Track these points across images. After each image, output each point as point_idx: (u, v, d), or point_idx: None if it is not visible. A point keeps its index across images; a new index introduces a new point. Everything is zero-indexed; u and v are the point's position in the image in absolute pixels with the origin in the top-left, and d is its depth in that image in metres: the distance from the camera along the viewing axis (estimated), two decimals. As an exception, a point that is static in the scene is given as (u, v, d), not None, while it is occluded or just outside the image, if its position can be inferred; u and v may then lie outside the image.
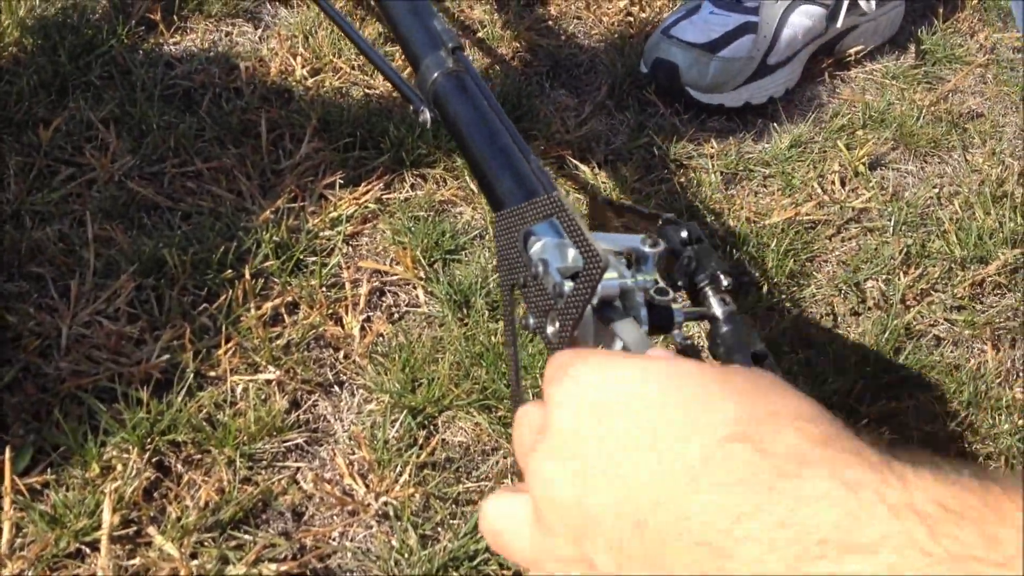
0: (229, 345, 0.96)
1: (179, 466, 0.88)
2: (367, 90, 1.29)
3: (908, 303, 1.10)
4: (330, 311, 1.02)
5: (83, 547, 0.81)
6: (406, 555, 0.83)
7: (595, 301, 0.62)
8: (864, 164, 1.27)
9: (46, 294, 0.99)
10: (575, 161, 1.24)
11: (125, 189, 1.11)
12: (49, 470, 0.85)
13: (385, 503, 0.86)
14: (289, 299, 1.02)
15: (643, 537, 0.36)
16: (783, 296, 1.09)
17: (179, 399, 0.91)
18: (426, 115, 0.86)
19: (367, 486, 0.88)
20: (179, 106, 1.24)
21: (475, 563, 0.83)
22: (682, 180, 1.23)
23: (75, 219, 1.07)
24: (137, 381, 0.92)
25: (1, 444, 0.85)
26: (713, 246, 1.13)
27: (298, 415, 0.93)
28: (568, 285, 0.60)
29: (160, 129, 1.18)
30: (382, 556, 0.83)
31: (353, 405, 0.95)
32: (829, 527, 0.32)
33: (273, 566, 0.81)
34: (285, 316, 1.01)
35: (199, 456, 0.88)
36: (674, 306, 0.65)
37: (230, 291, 1.00)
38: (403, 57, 0.94)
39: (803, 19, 1.38)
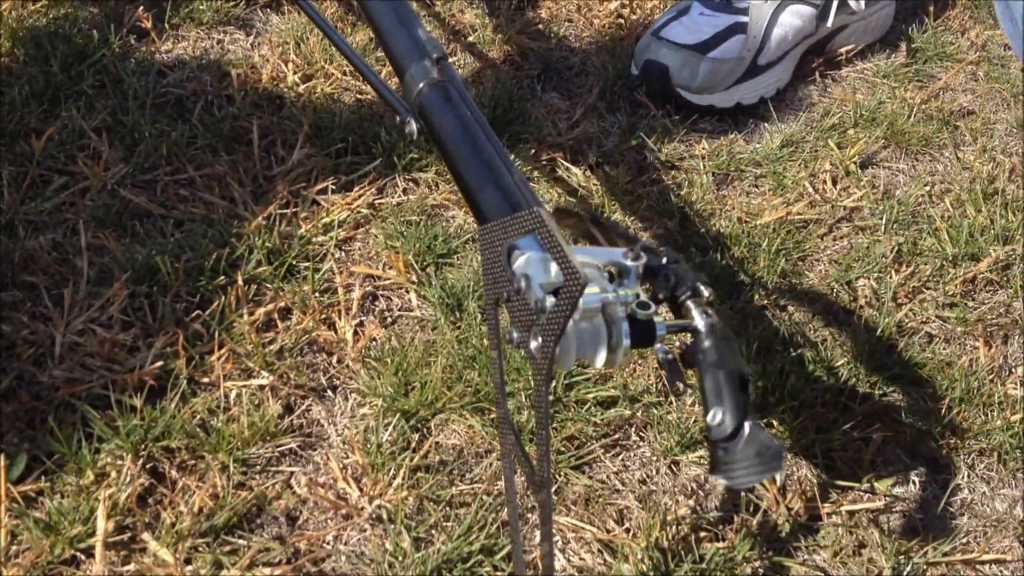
0: (222, 351, 0.96)
1: (173, 472, 0.88)
2: (359, 95, 1.30)
3: (900, 301, 1.10)
4: (323, 316, 1.02)
5: (78, 554, 0.81)
6: (400, 558, 0.83)
7: (576, 316, 0.63)
8: (855, 163, 1.27)
9: (40, 303, 1.00)
10: (566, 163, 1.24)
11: (118, 197, 1.11)
12: (44, 477, 0.85)
13: (379, 506, 0.87)
14: (282, 304, 1.02)
15: None
16: (775, 295, 1.09)
17: (172, 405, 0.91)
18: (412, 127, 0.87)
19: (361, 490, 0.88)
20: (171, 114, 1.24)
21: (469, 565, 0.83)
22: (673, 181, 1.24)
23: (68, 228, 1.07)
24: (131, 388, 0.92)
25: (-5, 452, 0.85)
26: (704, 248, 1.13)
27: (291, 420, 0.94)
28: (550, 300, 0.60)
29: (152, 137, 1.18)
30: (376, 559, 0.83)
31: (346, 409, 0.95)
32: None
33: (267, 570, 0.81)
34: (278, 321, 1.01)
35: (193, 462, 0.89)
36: (656, 319, 0.65)
37: (223, 297, 1.00)
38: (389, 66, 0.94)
39: (793, 19, 1.39)
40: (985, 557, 0.89)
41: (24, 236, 1.05)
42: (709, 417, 0.65)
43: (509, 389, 0.96)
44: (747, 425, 0.64)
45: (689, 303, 0.69)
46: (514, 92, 1.32)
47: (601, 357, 0.65)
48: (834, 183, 1.25)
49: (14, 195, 1.10)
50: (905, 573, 0.86)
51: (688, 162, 1.27)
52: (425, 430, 0.94)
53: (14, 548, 0.81)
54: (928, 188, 1.26)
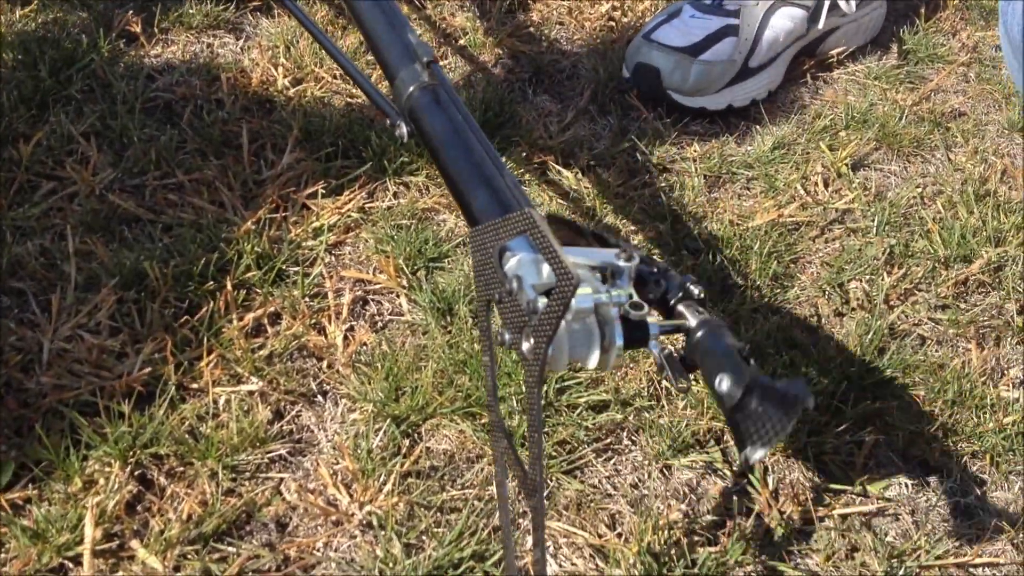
0: (211, 357, 0.96)
1: (162, 479, 0.87)
2: (349, 99, 1.29)
3: (892, 303, 1.10)
4: (313, 321, 1.02)
5: (66, 562, 0.80)
6: (390, 564, 0.83)
7: (569, 317, 0.62)
8: (847, 165, 1.27)
9: (27, 309, 0.99)
10: (558, 167, 1.24)
11: (106, 202, 1.10)
12: (31, 485, 0.85)
13: (369, 512, 0.86)
14: (271, 309, 1.02)
15: None
16: (767, 298, 1.09)
17: (161, 412, 0.90)
18: (403, 130, 0.86)
19: (351, 496, 0.87)
20: (160, 118, 1.23)
21: (460, 571, 0.83)
22: (665, 184, 1.23)
23: (56, 233, 1.07)
24: (119, 395, 0.92)
25: (-18, 460, 0.85)
26: (696, 250, 1.13)
27: (281, 426, 0.93)
28: (542, 302, 0.60)
29: (141, 142, 1.18)
30: (366, 566, 0.83)
31: (336, 415, 0.95)
32: None
33: (257, 578, 0.81)
34: (267, 327, 1.01)
35: (182, 469, 0.88)
36: (649, 320, 0.65)
37: (212, 303, 1.00)
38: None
39: (784, 21, 1.39)
40: (978, 560, 0.89)
41: (12, 242, 1.05)
42: (716, 385, 0.62)
43: (501, 394, 0.96)
44: (757, 380, 0.61)
45: (680, 305, 0.68)
46: (505, 95, 1.31)
47: (594, 358, 0.65)
48: (826, 185, 1.25)
49: (2, 201, 1.09)
50: (898, 577, 0.86)
51: (680, 164, 1.27)
52: (416, 435, 0.94)
53: (2, 556, 0.80)
54: (920, 190, 1.26)
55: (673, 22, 1.36)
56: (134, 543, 0.82)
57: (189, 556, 0.82)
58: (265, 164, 1.18)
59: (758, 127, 1.34)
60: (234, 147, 1.20)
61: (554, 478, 0.91)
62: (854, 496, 0.93)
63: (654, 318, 0.66)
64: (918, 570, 0.87)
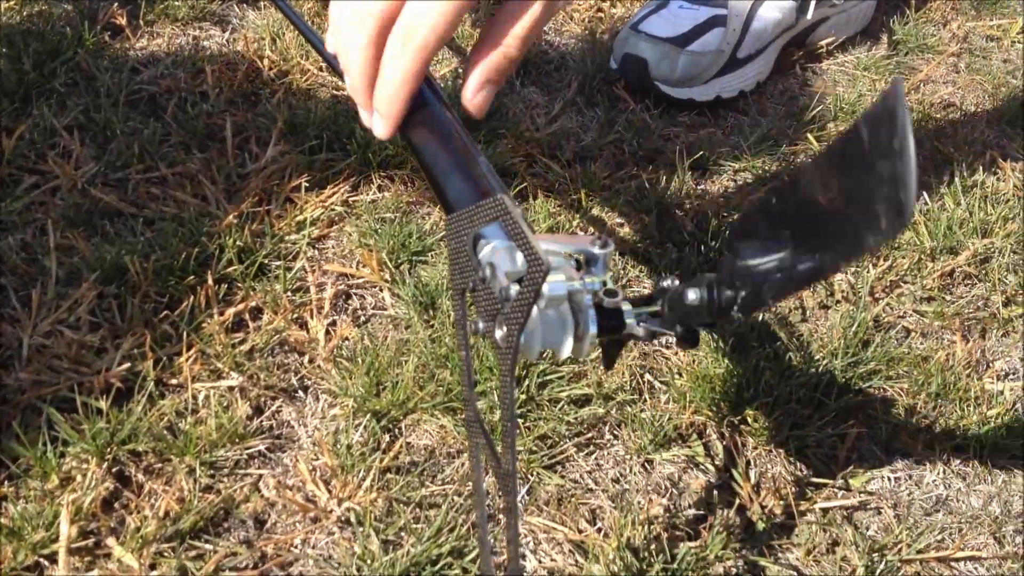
0: (191, 352, 0.95)
1: (139, 476, 0.87)
2: (334, 91, 1.29)
3: (877, 295, 1.10)
4: (294, 315, 1.01)
5: (41, 560, 0.80)
6: (368, 561, 0.82)
7: (541, 304, 0.62)
8: (834, 156, 1.26)
9: (8, 304, 0.99)
10: (544, 159, 1.23)
11: (88, 196, 1.10)
12: (7, 482, 0.84)
13: (348, 509, 0.86)
14: (253, 304, 1.02)
15: None
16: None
17: (139, 408, 0.90)
18: None
19: (330, 492, 0.87)
20: (144, 111, 1.23)
21: (438, 567, 0.82)
22: (652, 175, 1.23)
23: (38, 228, 1.06)
24: (97, 390, 0.91)
25: (-41, 457, 0.84)
26: (682, 243, 1.12)
27: (261, 421, 0.93)
28: (514, 289, 0.60)
29: (124, 135, 1.17)
30: (344, 563, 0.83)
31: (317, 410, 0.95)
32: None
33: (233, 575, 0.80)
34: (249, 321, 1.00)
35: (160, 465, 0.88)
36: (624, 307, 0.64)
37: (192, 297, 0.99)
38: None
39: (772, 12, 1.38)
40: (960, 554, 0.88)
41: (-7, 237, 1.04)
42: (691, 296, 0.63)
43: (480, 388, 0.95)
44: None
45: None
46: (491, 87, 1.30)
47: (567, 346, 0.64)
48: (813, 177, 1.24)
49: (-17, 195, 1.09)
50: (879, 571, 0.86)
51: (667, 157, 1.26)
52: (396, 430, 0.93)
53: (-23, 554, 0.80)
54: (907, 181, 1.25)
55: (661, 12, 1.35)
56: (110, 540, 0.82)
57: (166, 554, 0.81)
58: (249, 157, 1.18)
59: (746, 118, 1.34)
60: (218, 140, 1.20)
61: (535, 473, 0.91)
62: (836, 489, 0.92)
63: (628, 305, 0.65)
64: (899, 564, 0.87)
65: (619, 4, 1.50)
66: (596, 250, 0.65)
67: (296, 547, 0.84)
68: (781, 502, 0.91)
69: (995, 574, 0.88)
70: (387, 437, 0.92)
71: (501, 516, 0.88)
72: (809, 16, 1.41)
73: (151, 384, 0.92)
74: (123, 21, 1.34)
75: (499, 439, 0.64)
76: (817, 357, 1.01)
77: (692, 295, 0.62)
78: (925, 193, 1.23)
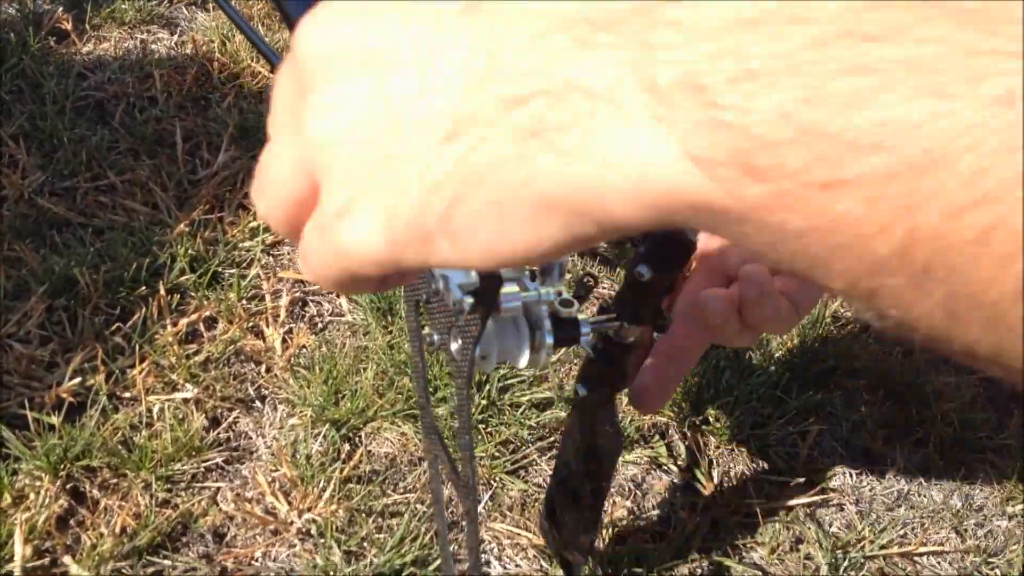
0: (144, 364, 0.93)
1: (94, 492, 0.85)
2: (286, 95, 1.27)
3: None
4: (250, 324, 1.00)
5: (-6, 582, 0.78)
6: (331, 573, 0.81)
7: (497, 316, 0.61)
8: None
9: (-46, 319, 0.96)
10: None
11: (35, 206, 1.08)
12: (-43, 503, 0.82)
13: (308, 520, 0.85)
14: (207, 314, 1.00)
15: None
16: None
17: (93, 422, 0.88)
18: None
19: (290, 503, 0.86)
20: (91, 118, 1.21)
21: (401, 577, 0.81)
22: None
23: (-16, 239, 1.04)
24: (49, 406, 0.89)
25: (-93, 478, 0.82)
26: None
27: (217, 434, 0.91)
28: (468, 301, 0.59)
29: (72, 143, 1.15)
30: (306, 575, 0.81)
31: (275, 420, 0.93)
32: None
33: (193, 591, 0.79)
34: (203, 331, 0.99)
35: (115, 480, 0.86)
36: (580, 316, 0.64)
37: (145, 308, 0.98)
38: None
39: None
40: (922, 549, 0.89)
41: (-63, 250, 1.02)
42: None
43: (442, 394, 0.94)
44: None
45: None
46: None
47: (524, 358, 0.63)
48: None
49: (-74, 207, 1.06)
50: (842, 568, 0.86)
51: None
52: (356, 439, 0.92)
53: (-73, 578, 0.78)
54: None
55: None
56: (66, 559, 0.80)
57: (123, 571, 0.80)
58: (200, 163, 1.16)
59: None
60: (168, 146, 1.18)
61: (498, 478, 0.90)
62: (798, 487, 0.92)
63: (584, 314, 0.65)
64: (863, 560, 0.87)
65: None
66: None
67: (257, 560, 0.83)
68: (744, 501, 0.91)
69: (957, 568, 0.88)
70: (347, 446, 0.91)
71: (463, 523, 0.87)
72: None
73: (104, 398, 0.90)
74: (68, 26, 1.32)
75: (456, 451, 0.63)
76: (777, 355, 1.01)
77: (645, 270, 0.63)
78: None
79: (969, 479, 0.95)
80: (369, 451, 0.91)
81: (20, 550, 0.79)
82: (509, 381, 0.96)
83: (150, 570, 0.81)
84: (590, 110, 0.24)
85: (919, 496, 0.93)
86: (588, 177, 0.24)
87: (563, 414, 0.95)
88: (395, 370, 0.96)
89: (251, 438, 0.92)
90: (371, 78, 0.29)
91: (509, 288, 0.61)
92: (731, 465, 0.94)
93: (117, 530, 0.82)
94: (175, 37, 1.37)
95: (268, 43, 0.75)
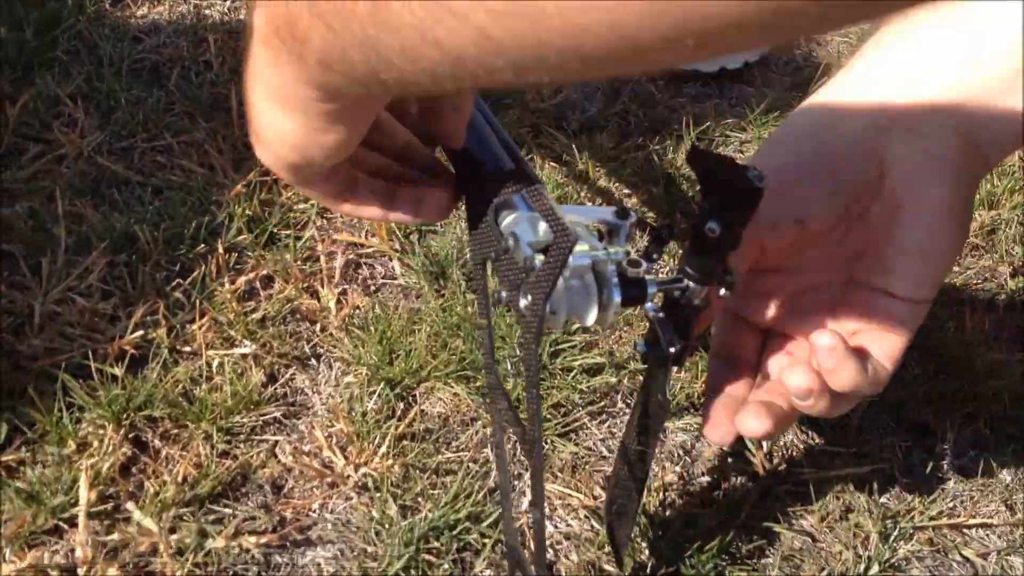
0: (203, 320, 0.95)
1: (156, 441, 0.87)
2: (339, 61, 1.28)
3: (885, 266, 1.10)
4: (305, 284, 1.01)
5: (61, 523, 0.80)
6: (386, 525, 0.82)
7: (566, 274, 0.62)
8: (840, 128, 1.27)
9: (17, 271, 0.98)
10: (550, 129, 1.23)
11: (95, 165, 1.09)
12: (24, 447, 0.84)
13: (364, 475, 0.86)
14: (263, 273, 1.01)
15: None
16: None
17: (154, 375, 0.90)
18: None
19: (346, 458, 0.87)
20: (147, 80, 1.22)
21: (456, 532, 0.82)
22: (658, 146, 1.23)
23: (45, 196, 1.06)
24: (111, 357, 0.91)
25: (-26, 423, 0.84)
26: (689, 213, 1.13)
27: (275, 389, 0.93)
28: (539, 259, 0.60)
29: (129, 104, 1.16)
30: (362, 527, 0.83)
31: (331, 378, 0.94)
32: None
33: (253, 539, 0.80)
34: (260, 290, 1.00)
35: (176, 431, 0.88)
36: (647, 277, 0.65)
37: (203, 266, 0.99)
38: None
39: (777, -16, 1.37)
40: (972, 521, 0.89)
41: (0, 205, 1.03)
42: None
43: (495, 356, 0.95)
44: None
45: None
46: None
47: (592, 315, 0.64)
48: (819, 149, 1.25)
49: (-11, 163, 1.08)
50: (892, 537, 0.86)
51: (672, 127, 1.26)
52: (410, 398, 0.93)
53: (-5, 519, 0.80)
54: (912, 154, 1.25)
55: (665, -16, 1.35)
56: (129, 505, 0.81)
57: (185, 518, 0.81)
58: (255, 126, 1.17)
59: (751, 90, 1.34)
60: (223, 109, 1.19)
61: (549, 440, 0.91)
62: (848, 458, 0.93)
63: (652, 275, 0.65)
64: (912, 531, 0.88)
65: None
66: (618, 220, 0.65)
67: (314, 511, 0.84)
68: (793, 470, 0.91)
69: (1007, 540, 0.89)
70: (401, 405, 0.92)
71: (518, 483, 0.88)
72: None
73: (165, 351, 0.92)
74: (124, -11, 1.33)
75: (522, 407, 0.64)
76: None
77: (715, 224, 0.63)
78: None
79: (1019, 454, 0.95)
80: (423, 410, 0.92)
81: (85, 495, 0.80)
82: (561, 346, 0.97)
83: (211, 517, 0.82)
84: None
85: (969, 469, 0.94)
86: None
87: (614, 379, 0.96)
88: (448, 332, 0.97)
89: (307, 394, 0.93)
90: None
91: (579, 247, 0.62)
92: (781, 435, 0.94)
93: (179, 478, 0.83)
94: (228, 2, 1.38)
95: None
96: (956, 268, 1.11)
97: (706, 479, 0.90)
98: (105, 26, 1.28)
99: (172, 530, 0.80)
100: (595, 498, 0.88)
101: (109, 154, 1.12)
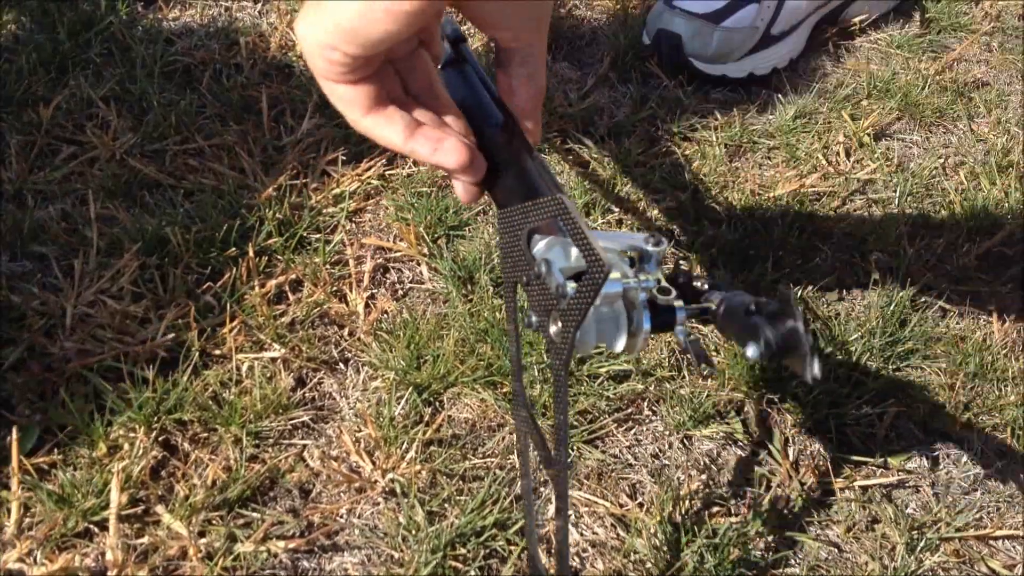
0: (233, 323, 0.96)
1: (186, 445, 0.88)
2: (368, 65, 1.28)
3: (913, 275, 1.10)
4: (334, 288, 1.02)
5: (91, 526, 0.81)
6: (413, 531, 0.83)
7: (597, 303, 0.62)
8: (869, 135, 1.26)
9: (50, 273, 0.99)
10: (578, 135, 1.23)
11: (127, 167, 1.10)
12: (56, 450, 0.85)
13: (392, 480, 0.87)
14: (293, 277, 1.02)
15: None
16: (788, 269, 1.08)
17: (185, 378, 0.91)
18: None
19: (374, 463, 0.88)
20: (179, 83, 1.23)
21: (483, 539, 0.83)
22: (686, 153, 1.23)
23: (77, 198, 1.07)
24: (142, 360, 0.92)
25: (8, 424, 0.85)
26: (717, 220, 1.13)
27: (304, 393, 0.93)
28: (571, 286, 0.60)
29: (161, 106, 1.17)
30: (389, 532, 0.83)
31: (359, 382, 0.95)
32: None
33: (281, 543, 0.81)
34: (289, 294, 1.01)
35: (205, 435, 0.88)
36: (676, 304, 0.65)
37: (234, 269, 1.00)
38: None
39: (807, -11, 1.37)
40: (998, 533, 0.89)
41: (33, 206, 1.05)
42: (750, 353, 0.62)
43: (522, 363, 0.96)
44: (771, 341, 0.62)
45: (706, 285, 0.69)
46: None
47: (621, 342, 0.65)
48: (847, 155, 1.24)
49: (23, 164, 1.09)
50: (918, 549, 0.86)
51: (700, 133, 1.26)
52: (437, 404, 0.94)
53: (27, 520, 0.81)
54: (942, 160, 1.25)
55: (695, -12, 1.35)
56: (159, 508, 0.82)
57: (214, 521, 0.82)
58: (285, 130, 1.18)
59: (779, 96, 1.33)
60: (254, 112, 1.20)
61: (575, 447, 0.91)
62: (875, 468, 0.93)
63: (681, 302, 0.66)
64: (938, 542, 0.87)
65: (651, -20, 1.49)
66: (650, 248, 0.66)
67: (342, 516, 0.85)
68: (820, 479, 0.92)
69: (1034, 553, 0.88)
70: (429, 410, 0.93)
71: (544, 490, 0.89)
72: (843, -6, 1.40)
73: (196, 354, 0.93)
74: (156, -9, 1.34)
75: (545, 420, 0.65)
76: (855, 336, 1.01)
77: (751, 352, 0.62)
78: (961, 173, 1.23)
79: (1047, 466, 0.95)
80: (450, 416, 0.93)
81: (116, 497, 0.81)
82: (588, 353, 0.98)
83: (240, 521, 0.83)
84: None
85: (995, 481, 0.93)
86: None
87: (640, 387, 0.96)
88: (475, 337, 0.97)
89: (335, 399, 0.94)
90: None
91: (611, 275, 0.62)
92: (807, 444, 0.95)
93: (209, 482, 0.84)
94: (259, 5, 1.39)
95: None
96: (984, 276, 1.11)
97: (731, 487, 0.91)
98: (137, 28, 1.29)
99: (201, 534, 0.81)
100: (621, 506, 0.88)
101: (141, 156, 1.13)
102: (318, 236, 1.06)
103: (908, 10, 1.50)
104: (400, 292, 1.04)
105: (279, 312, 0.99)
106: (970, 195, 1.19)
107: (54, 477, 0.83)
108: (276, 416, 0.90)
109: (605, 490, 0.89)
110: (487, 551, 0.83)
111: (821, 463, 0.93)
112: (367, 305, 1.01)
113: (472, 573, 0.81)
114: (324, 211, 1.09)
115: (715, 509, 0.89)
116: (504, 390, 0.94)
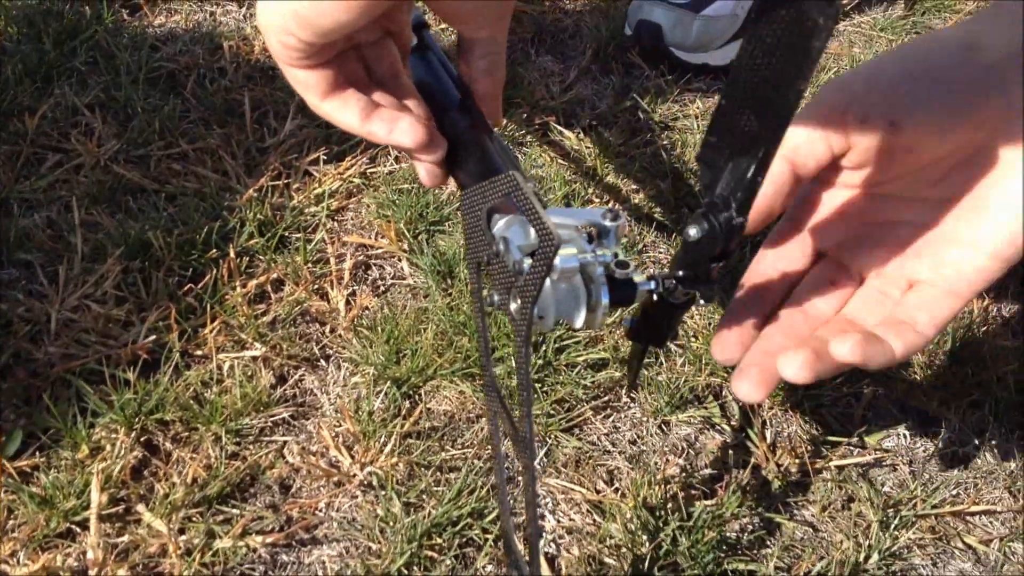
0: (215, 324, 0.97)
1: (167, 444, 0.89)
2: (350, 64, 1.30)
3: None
4: (315, 286, 1.03)
5: (73, 526, 0.82)
6: (391, 523, 0.84)
7: (554, 276, 0.63)
8: (849, 117, 1.26)
9: (35, 280, 1.01)
10: (559, 127, 1.24)
11: (111, 173, 1.12)
12: (39, 453, 0.87)
13: (370, 473, 0.88)
14: (274, 276, 1.03)
15: None
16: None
17: (166, 379, 0.92)
18: None
19: (352, 457, 0.89)
20: (164, 88, 1.25)
21: (458, 528, 0.84)
22: (667, 142, 1.23)
23: (62, 205, 1.08)
24: (125, 362, 0.93)
25: (-7, 429, 0.87)
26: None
27: (284, 390, 0.95)
28: (527, 263, 0.61)
29: (145, 112, 1.19)
30: (367, 525, 0.85)
31: (339, 378, 0.96)
32: None
33: (260, 538, 0.82)
34: (271, 293, 1.02)
35: (186, 434, 0.90)
36: (636, 278, 0.66)
37: (215, 270, 1.01)
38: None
39: (786, -26, 1.37)
40: (975, 508, 0.89)
41: (19, 214, 1.06)
42: (692, 232, 0.63)
43: (498, 354, 0.97)
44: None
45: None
46: (507, 56, 1.31)
47: (580, 317, 0.65)
48: (828, 139, 1.24)
49: (8, 174, 1.11)
50: (893, 526, 0.87)
51: (682, 122, 1.27)
52: (416, 397, 0.95)
53: (10, 523, 0.82)
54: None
55: (674, -22, 1.35)
56: (140, 507, 0.84)
57: (194, 519, 0.84)
58: (268, 132, 1.20)
59: (761, 82, 1.33)
60: (237, 115, 1.21)
61: (553, 436, 0.92)
62: (851, 447, 0.94)
63: (640, 276, 0.66)
64: (914, 519, 0.88)
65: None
66: (607, 223, 0.66)
67: (320, 510, 0.86)
68: (796, 460, 0.92)
69: (1009, 527, 0.89)
70: (407, 403, 0.94)
71: (520, 478, 0.90)
72: (823, -23, 1.40)
73: (177, 355, 0.94)
74: (141, -1, 1.36)
75: (516, 406, 0.66)
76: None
77: (692, 231, 0.62)
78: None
79: (1023, 441, 0.95)
80: (428, 408, 0.94)
81: (97, 498, 0.83)
82: (565, 342, 0.98)
83: (219, 518, 0.84)
84: None
85: (973, 457, 0.94)
86: None
87: (618, 374, 0.97)
88: (454, 331, 0.98)
89: (316, 395, 0.95)
90: None
91: (567, 250, 0.63)
92: (784, 425, 0.95)
93: (189, 480, 0.86)
94: (243, 9, 1.40)
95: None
96: (964, 256, 1.11)
97: (708, 471, 0.91)
98: (123, 36, 1.31)
99: (181, 531, 0.83)
100: (598, 492, 0.89)
101: (126, 162, 1.14)
102: (299, 235, 1.07)
103: (892, -9, 1.51)
104: (381, 288, 1.05)
105: (260, 311, 1.00)
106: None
107: (37, 479, 0.85)
108: (257, 414, 0.92)
109: (582, 477, 0.90)
110: (463, 540, 0.84)
111: (798, 444, 0.94)
112: (348, 302, 1.02)
113: (447, 562, 0.82)
114: (306, 210, 1.11)
115: (692, 492, 0.90)
116: (481, 381, 0.95)
